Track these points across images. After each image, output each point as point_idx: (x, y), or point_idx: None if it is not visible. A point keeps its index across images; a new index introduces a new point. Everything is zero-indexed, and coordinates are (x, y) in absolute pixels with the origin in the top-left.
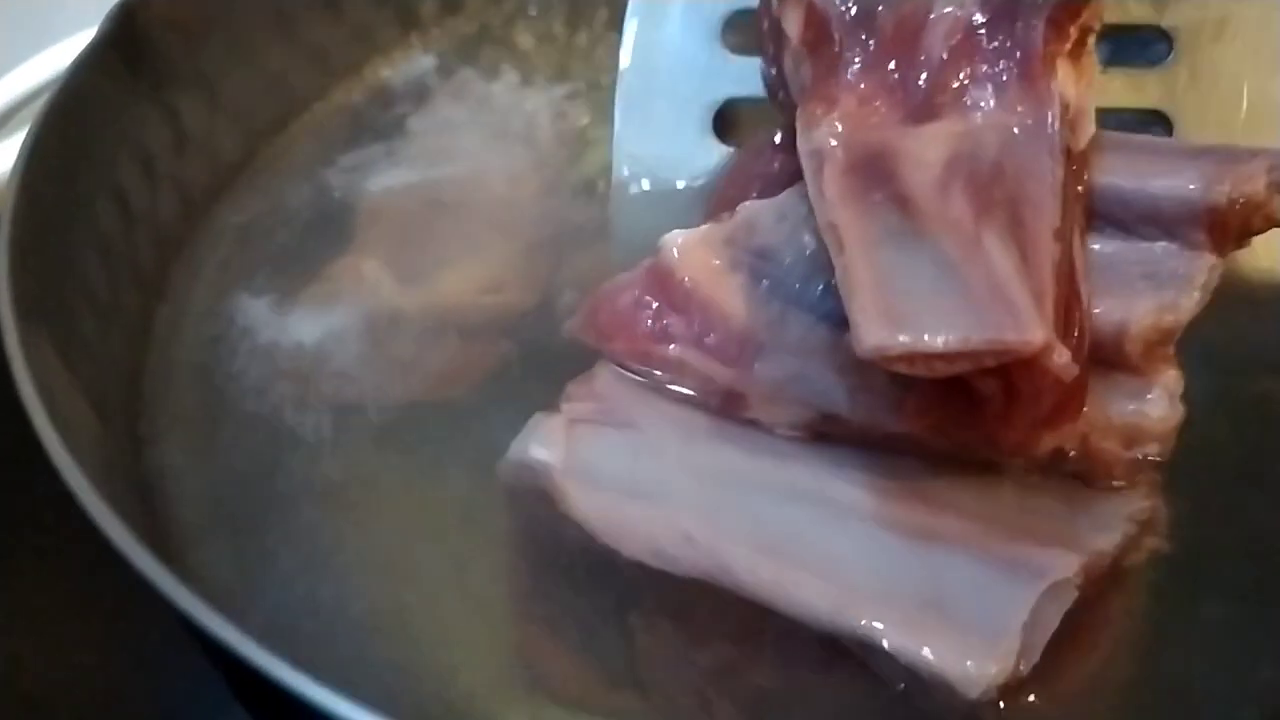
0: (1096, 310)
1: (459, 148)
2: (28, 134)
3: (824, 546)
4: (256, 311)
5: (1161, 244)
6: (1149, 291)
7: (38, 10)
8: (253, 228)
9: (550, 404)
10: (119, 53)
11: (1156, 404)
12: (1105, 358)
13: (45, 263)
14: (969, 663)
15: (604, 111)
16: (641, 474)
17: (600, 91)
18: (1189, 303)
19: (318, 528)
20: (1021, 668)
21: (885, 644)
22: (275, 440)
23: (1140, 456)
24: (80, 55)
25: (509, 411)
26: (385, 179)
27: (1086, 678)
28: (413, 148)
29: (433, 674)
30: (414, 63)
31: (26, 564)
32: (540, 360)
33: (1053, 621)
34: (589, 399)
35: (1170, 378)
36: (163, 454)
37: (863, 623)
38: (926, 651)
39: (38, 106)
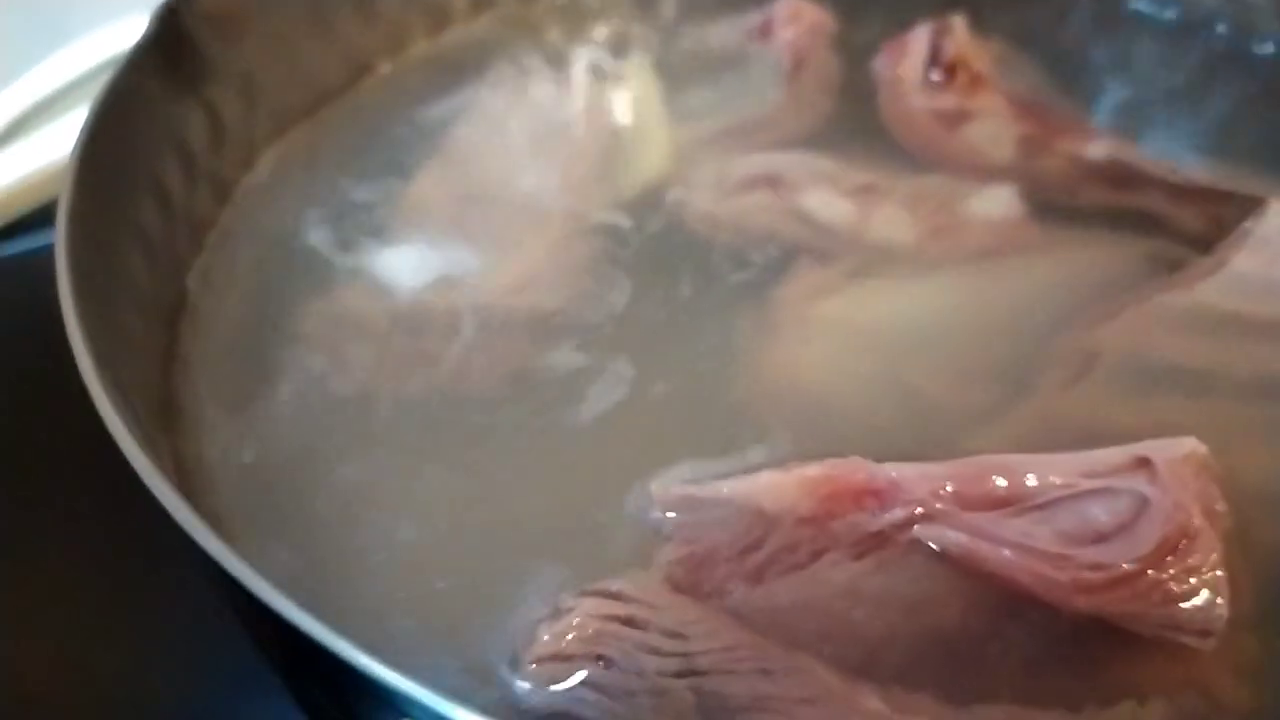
0: None
1: (491, 144)
2: (80, 132)
3: None
4: (295, 305)
5: None
6: None
7: (52, 10)
8: (288, 224)
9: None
10: (163, 52)
11: None
12: None
13: (94, 256)
14: None
15: (639, 108)
16: None
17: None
18: None
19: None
20: None
21: None
22: (304, 422)
23: None
24: (127, 55)
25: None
26: (417, 174)
27: None
28: (444, 143)
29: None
30: (446, 59)
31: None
32: (558, 365)
33: None
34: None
35: None
36: (198, 448)
37: None
38: None
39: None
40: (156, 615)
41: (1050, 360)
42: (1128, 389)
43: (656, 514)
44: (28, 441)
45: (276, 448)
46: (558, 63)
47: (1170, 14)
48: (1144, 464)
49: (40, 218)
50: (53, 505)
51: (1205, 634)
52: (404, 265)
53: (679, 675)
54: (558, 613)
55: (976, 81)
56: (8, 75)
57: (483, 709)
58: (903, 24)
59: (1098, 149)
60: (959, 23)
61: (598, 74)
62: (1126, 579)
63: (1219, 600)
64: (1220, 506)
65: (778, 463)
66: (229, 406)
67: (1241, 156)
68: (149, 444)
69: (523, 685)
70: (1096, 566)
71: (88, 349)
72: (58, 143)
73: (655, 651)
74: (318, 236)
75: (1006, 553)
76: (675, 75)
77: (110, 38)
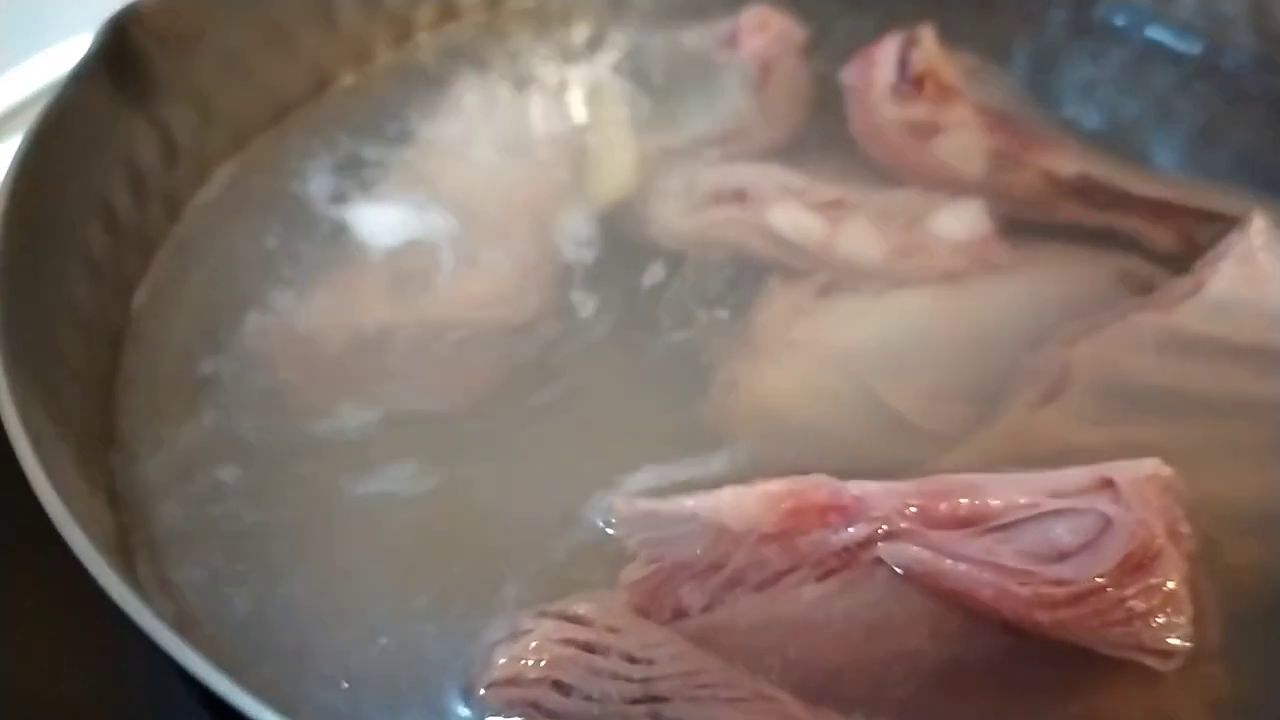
0: None
1: (457, 156)
2: (17, 150)
3: None
4: (244, 322)
5: None
6: None
7: (24, 19)
8: (241, 241)
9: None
10: (109, 68)
11: None
12: None
13: (30, 282)
14: None
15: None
16: None
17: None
18: None
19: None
20: None
21: None
22: (250, 440)
23: None
24: (71, 70)
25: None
26: (381, 187)
27: None
28: (410, 155)
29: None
30: (410, 69)
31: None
32: (531, 377)
33: None
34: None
35: None
36: (142, 469)
37: None
38: None
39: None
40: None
41: (1022, 379)
42: (1099, 409)
43: (619, 529)
44: None
45: (219, 466)
46: (524, 72)
47: (1144, 29)
48: (1107, 484)
49: None
50: None
51: (1166, 655)
52: (368, 279)
53: (639, 701)
54: (515, 635)
55: (946, 93)
56: None
57: None
58: (874, 36)
59: (1069, 164)
60: (928, 33)
61: (563, 84)
62: (1088, 594)
63: (1180, 620)
64: (1184, 528)
65: (741, 479)
66: (173, 425)
67: (1214, 173)
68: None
69: (480, 709)
70: (1059, 582)
71: (15, 406)
72: None
73: (615, 676)
74: (274, 251)
75: (968, 568)
76: (643, 84)
77: (57, 59)
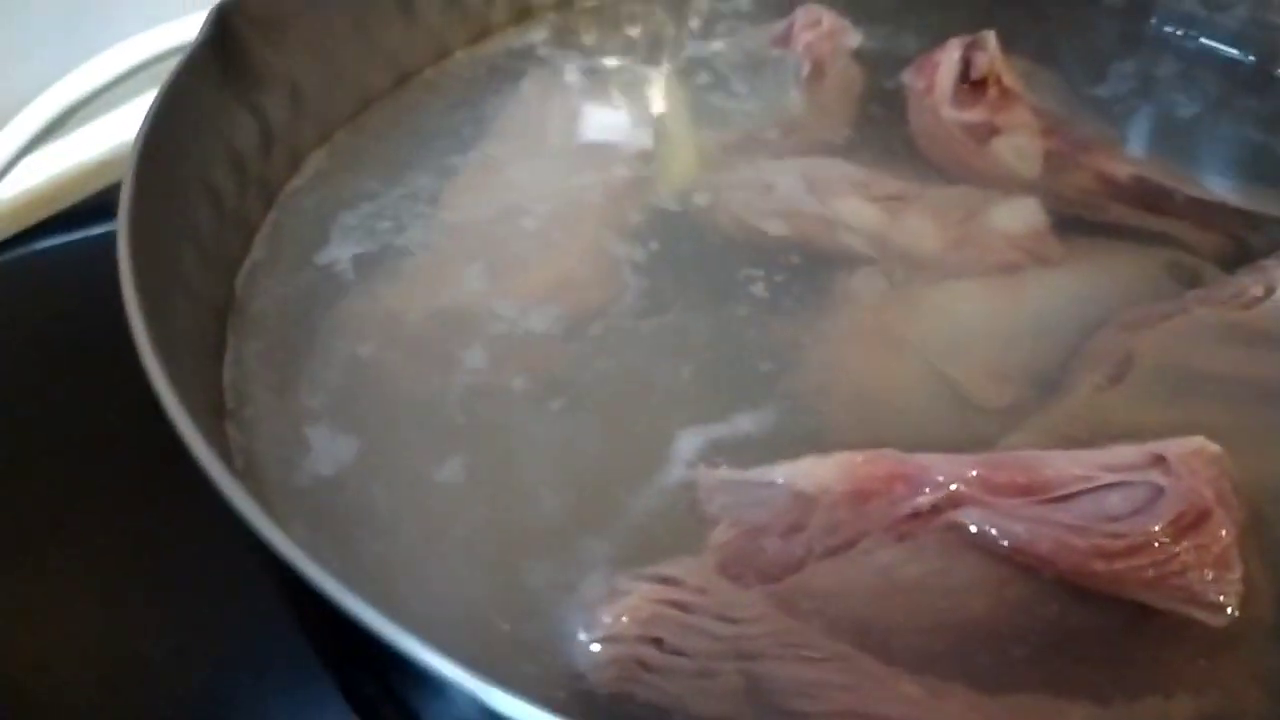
0: None
1: (527, 149)
2: (139, 131)
3: None
4: (339, 299)
5: None
6: None
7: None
8: (327, 225)
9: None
10: (215, 56)
11: None
12: None
13: (153, 261)
14: None
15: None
16: None
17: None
18: None
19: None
20: None
21: None
22: (349, 418)
23: None
24: (182, 58)
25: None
26: (457, 177)
27: None
28: (483, 148)
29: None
30: (485, 66)
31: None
32: (604, 357)
33: None
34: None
35: None
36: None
37: None
38: None
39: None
40: (205, 604)
41: (1083, 364)
42: (1161, 393)
43: (701, 495)
44: (85, 426)
45: (322, 443)
46: (592, 70)
47: (1197, 37)
48: (1159, 460)
49: (94, 208)
50: (107, 491)
51: (1217, 609)
52: (442, 266)
53: (728, 658)
54: (614, 595)
55: (1006, 96)
56: (58, 70)
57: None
58: (928, 38)
59: (1123, 167)
60: (991, 38)
61: (629, 81)
62: (1143, 547)
63: (1231, 576)
64: (1233, 499)
65: (819, 451)
66: (276, 396)
67: (1264, 180)
68: (208, 431)
69: (583, 667)
70: (1115, 535)
71: (149, 339)
72: (108, 135)
73: (707, 635)
74: (358, 239)
75: (1028, 525)
76: (704, 81)
77: (160, 36)
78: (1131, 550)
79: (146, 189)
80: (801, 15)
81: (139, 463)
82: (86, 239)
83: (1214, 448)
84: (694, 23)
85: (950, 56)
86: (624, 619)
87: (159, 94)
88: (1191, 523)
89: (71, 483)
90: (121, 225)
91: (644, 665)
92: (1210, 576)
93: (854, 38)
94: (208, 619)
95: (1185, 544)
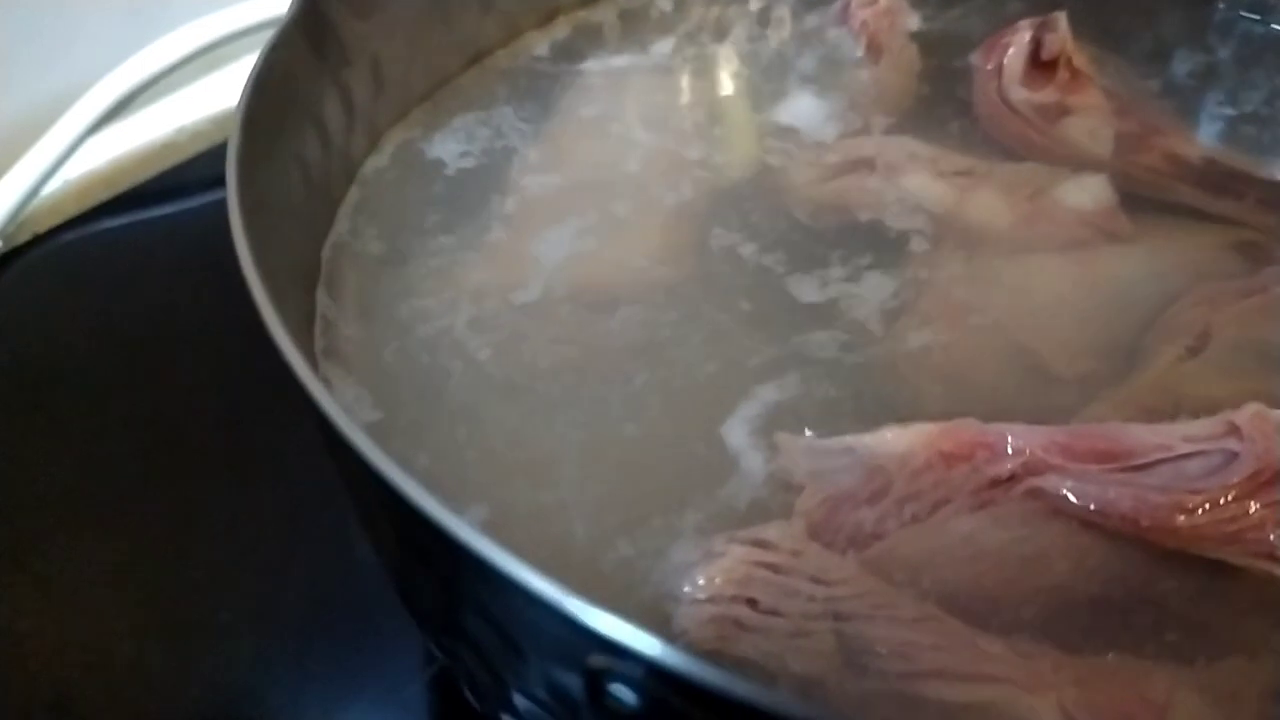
0: None
1: (593, 132)
2: (239, 105)
3: None
4: (412, 276)
5: None
6: None
7: None
8: (407, 200)
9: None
10: (305, 31)
11: None
12: None
13: (256, 217)
14: None
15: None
16: None
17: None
18: None
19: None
20: None
21: None
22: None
23: None
24: (274, 33)
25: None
26: (530, 157)
27: None
28: (554, 128)
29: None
30: (555, 47)
31: None
32: (679, 335)
33: None
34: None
35: None
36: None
37: None
38: None
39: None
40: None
41: (1160, 337)
42: (1239, 367)
43: (786, 462)
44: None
45: (410, 400)
46: (655, 50)
47: (1269, 22)
48: (1234, 429)
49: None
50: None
51: None
52: (521, 243)
53: (821, 619)
54: (710, 556)
55: (1077, 78)
56: (121, 53)
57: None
58: (989, 21)
59: (1194, 149)
60: (1062, 19)
61: (692, 61)
62: (1223, 504)
63: None
64: None
65: (899, 421)
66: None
67: None
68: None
69: (683, 625)
70: (1195, 491)
71: (261, 283)
72: (169, 118)
73: (799, 596)
74: (438, 214)
75: (1108, 488)
76: (765, 61)
77: (246, 10)
78: (1211, 505)
79: (249, 159)
80: None
81: (196, 444)
82: (147, 219)
83: (1275, 412)
84: (755, 4)
85: (1021, 38)
86: (718, 580)
87: (256, 65)
88: (1267, 480)
89: (113, 465)
90: (231, 194)
91: (740, 625)
92: None
93: (912, 19)
94: (208, 619)
95: (1261, 500)
